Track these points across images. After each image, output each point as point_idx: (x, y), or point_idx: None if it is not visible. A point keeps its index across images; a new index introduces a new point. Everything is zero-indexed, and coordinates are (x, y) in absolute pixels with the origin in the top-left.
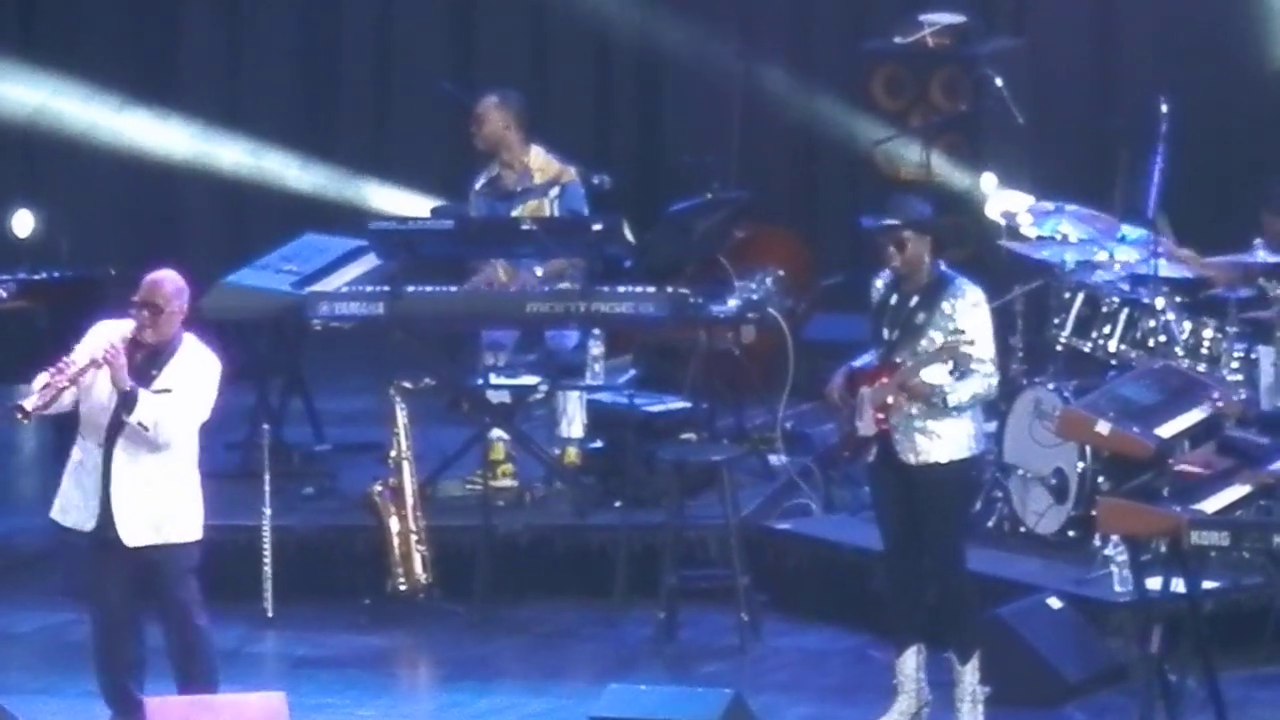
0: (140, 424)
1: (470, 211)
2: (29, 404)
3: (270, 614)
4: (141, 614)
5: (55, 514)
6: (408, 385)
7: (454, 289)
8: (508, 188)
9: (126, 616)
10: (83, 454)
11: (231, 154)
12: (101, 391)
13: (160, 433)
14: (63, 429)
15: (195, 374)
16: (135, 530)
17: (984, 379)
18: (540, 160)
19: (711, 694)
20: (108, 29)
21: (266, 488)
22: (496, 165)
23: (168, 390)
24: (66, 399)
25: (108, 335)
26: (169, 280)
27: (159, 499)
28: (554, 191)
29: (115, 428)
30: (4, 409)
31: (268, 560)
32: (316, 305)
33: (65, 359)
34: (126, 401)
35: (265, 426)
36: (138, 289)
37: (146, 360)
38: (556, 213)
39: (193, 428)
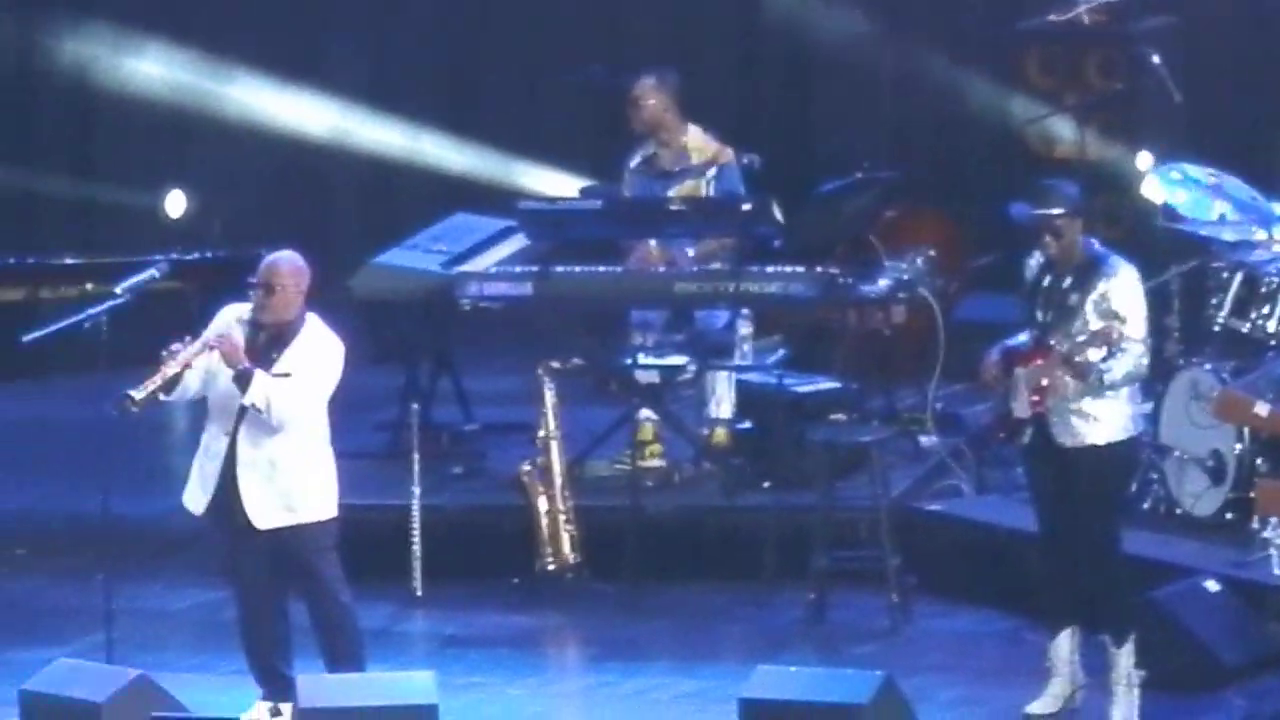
0: (254, 405)
1: (624, 190)
2: (137, 392)
3: (419, 593)
4: (284, 593)
5: (185, 500)
6: (556, 365)
7: (603, 269)
8: (664, 168)
9: (269, 596)
10: (209, 440)
11: (381, 134)
12: (226, 377)
13: (275, 414)
14: None
15: (315, 355)
16: (265, 513)
17: (1135, 358)
18: (698, 140)
19: (862, 676)
20: (258, 8)
21: (416, 467)
22: (652, 145)
23: (287, 374)
24: (194, 386)
25: (226, 319)
26: (285, 260)
27: (288, 480)
28: (711, 172)
29: (241, 412)
30: (116, 397)
31: (417, 540)
32: (465, 285)
33: (176, 345)
34: (241, 382)
35: (414, 406)
36: (258, 268)
37: (269, 342)
38: (713, 193)
39: (313, 408)
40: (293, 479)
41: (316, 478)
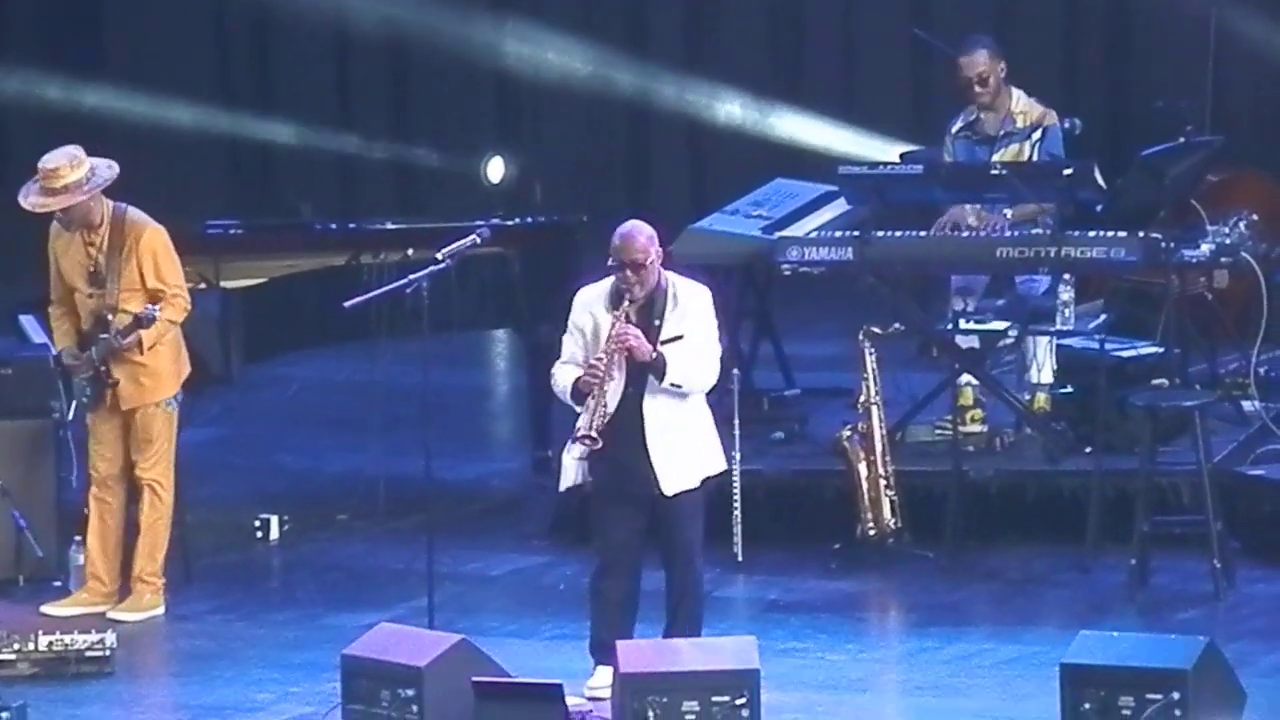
0: (674, 384)
1: (946, 156)
2: (588, 430)
3: (740, 558)
4: (641, 560)
5: (562, 488)
6: (877, 330)
7: (923, 234)
8: (988, 133)
9: (634, 563)
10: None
11: (701, 100)
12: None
13: (694, 385)
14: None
15: (698, 312)
16: (676, 478)
17: None
18: (1023, 104)
19: (1185, 641)
20: None
21: (736, 433)
22: (975, 109)
23: (678, 337)
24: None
25: (589, 306)
26: (639, 233)
27: (694, 441)
28: (1036, 135)
29: (639, 390)
30: (580, 440)
31: (738, 505)
32: (786, 250)
33: (592, 365)
34: (657, 370)
35: (735, 372)
36: (613, 249)
37: (642, 314)
38: (1036, 157)
39: (718, 363)
40: (697, 438)
41: (709, 433)
